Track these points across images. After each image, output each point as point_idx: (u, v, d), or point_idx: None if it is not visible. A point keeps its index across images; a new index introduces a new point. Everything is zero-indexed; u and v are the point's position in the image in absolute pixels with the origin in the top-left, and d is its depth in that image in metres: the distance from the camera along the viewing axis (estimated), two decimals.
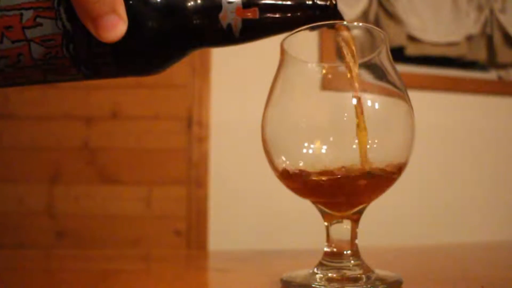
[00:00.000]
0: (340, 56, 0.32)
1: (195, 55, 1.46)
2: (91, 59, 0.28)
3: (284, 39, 0.34)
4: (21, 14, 0.26)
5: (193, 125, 1.45)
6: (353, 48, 0.31)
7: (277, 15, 0.30)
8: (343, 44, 0.32)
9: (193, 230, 1.42)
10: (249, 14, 0.29)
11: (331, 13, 0.31)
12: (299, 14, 0.30)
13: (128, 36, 0.26)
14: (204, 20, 0.29)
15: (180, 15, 0.29)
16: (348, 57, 0.31)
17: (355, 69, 0.31)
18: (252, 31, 0.30)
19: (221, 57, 1.48)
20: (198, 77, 1.48)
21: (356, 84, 0.31)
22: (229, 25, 0.29)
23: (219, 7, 0.29)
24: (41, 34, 0.26)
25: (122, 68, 0.29)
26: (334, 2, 0.31)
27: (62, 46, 0.27)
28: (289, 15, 0.30)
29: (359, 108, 0.31)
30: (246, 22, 0.29)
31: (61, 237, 1.40)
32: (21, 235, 1.40)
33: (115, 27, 0.25)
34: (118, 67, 0.29)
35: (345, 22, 0.31)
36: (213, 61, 1.48)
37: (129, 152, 1.44)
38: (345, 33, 0.32)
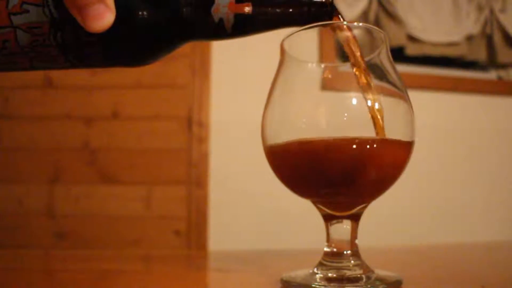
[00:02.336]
0: (344, 56, 0.31)
1: (195, 55, 1.47)
2: (79, 48, 0.27)
3: (284, 39, 0.34)
4: (7, 0, 0.25)
5: (193, 125, 1.45)
6: (357, 48, 0.31)
7: (271, 11, 0.29)
8: (345, 45, 0.31)
9: (193, 230, 1.42)
10: (242, 9, 0.28)
11: (328, 11, 0.30)
12: (294, 10, 0.29)
13: (116, 26, 0.25)
14: (195, 13, 0.28)
15: (170, 7, 0.28)
16: (353, 58, 0.31)
17: (363, 67, 0.31)
18: (244, 26, 0.29)
19: (221, 57, 1.48)
20: (198, 77, 1.47)
21: (372, 84, 0.31)
22: (221, 20, 0.28)
23: (211, 0, 0.28)
24: (27, 21, 0.25)
25: (110, 58, 0.29)
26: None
27: (50, 34, 0.26)
28: (283, 11, 0.29)
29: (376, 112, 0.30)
30: (238, 17, 0.28)
31: (61, 238, 1.40)
32: (21, 235, 1.40)
33: (102, 17, 0.24)
34: (106, 57, 0.28)
35: (345, 22, 0.31)
36: (213, 61, 1.48)
37: (129, 152, 1.44)
38: (346, 34, 0.31)
